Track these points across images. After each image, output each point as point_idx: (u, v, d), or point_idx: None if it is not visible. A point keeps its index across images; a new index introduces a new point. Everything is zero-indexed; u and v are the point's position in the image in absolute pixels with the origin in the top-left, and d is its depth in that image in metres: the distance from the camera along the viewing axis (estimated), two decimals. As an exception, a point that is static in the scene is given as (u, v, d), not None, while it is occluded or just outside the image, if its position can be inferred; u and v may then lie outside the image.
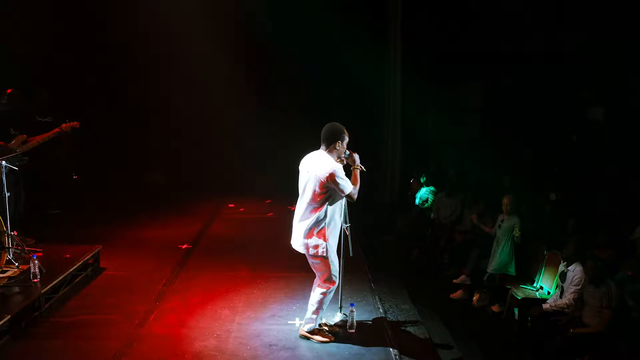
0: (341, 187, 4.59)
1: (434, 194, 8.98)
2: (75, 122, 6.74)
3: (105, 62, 10.98)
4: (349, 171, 4.83)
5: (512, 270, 6.65)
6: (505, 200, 6.80)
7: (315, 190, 4.66)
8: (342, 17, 10.44)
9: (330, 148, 4.74)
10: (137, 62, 11.09)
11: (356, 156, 4.83)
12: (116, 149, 11.27)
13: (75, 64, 10.49)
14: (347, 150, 4.80)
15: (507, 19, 10.01)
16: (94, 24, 10.54)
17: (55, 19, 9.92)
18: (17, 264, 5.82)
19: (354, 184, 4.70)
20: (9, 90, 6.81)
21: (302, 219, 4.77)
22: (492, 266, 6.71)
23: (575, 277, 5.48)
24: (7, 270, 5.76)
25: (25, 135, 6.63)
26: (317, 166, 4.67)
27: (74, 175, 8.20)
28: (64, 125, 6.70)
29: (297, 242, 4.82)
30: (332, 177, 4.56)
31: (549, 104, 10.26)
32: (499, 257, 6.66)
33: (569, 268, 5.57)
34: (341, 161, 4.82)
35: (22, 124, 6.73)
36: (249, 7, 10.72)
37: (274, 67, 11.40)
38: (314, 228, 4.70)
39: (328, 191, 4.64)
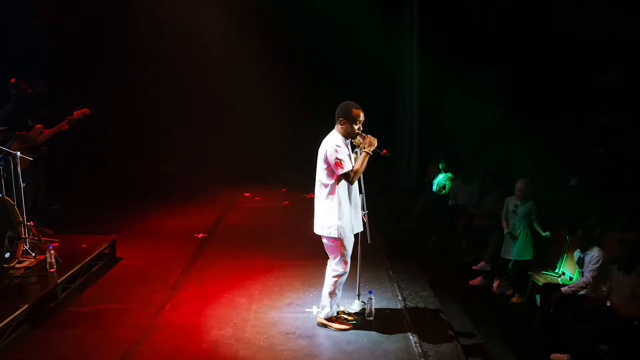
0: (333, 164, 4.55)
1: (452, 180, 8.82)
2: (85, 109, 6.72)
3: (116, 51, 10.89)
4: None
5: (529, 255, 6.46)
6: (519, 185, 6.49)
7: (320, 168, 4.69)
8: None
9: (336, 126, 4.71)
10: (148, 51, 10.97)
11: (372, 140, 4.61)
12: (130, 138, 11.23)
13: (88, 55, 10.45)
14: (361, 132, 4.67)
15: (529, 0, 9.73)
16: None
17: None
18: (33, 254, 5.85)
19: (357, 166, 4.59)
20: (12, 80, 6.76)
21: (317, 199, 4.79)
22: (514, 254, 6.50)
23: (594, 256, 5.37)
24: (24, 261, 5.80)
25: (41, 126, 6.64)
26: (323, 143, 4.70)
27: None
28: (75, 112, 6.67)
29: (315, 223, 4.79)
30: (327, 153, 4.58)
31: (574, 87, 9.92)
32: (518, 244, 6.45)
33: (586, 252, 5.44)
34: (357, 142, 4.71)
35: (34, 114, 6.71)
36: None
37: (288, 51, 11.22)
38: (326, 207, 4.68)
39: (330, 167, 4.62)
